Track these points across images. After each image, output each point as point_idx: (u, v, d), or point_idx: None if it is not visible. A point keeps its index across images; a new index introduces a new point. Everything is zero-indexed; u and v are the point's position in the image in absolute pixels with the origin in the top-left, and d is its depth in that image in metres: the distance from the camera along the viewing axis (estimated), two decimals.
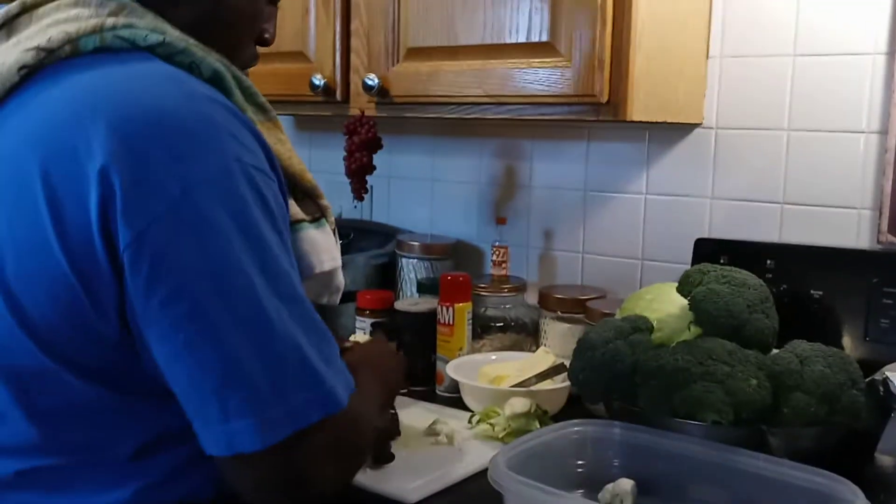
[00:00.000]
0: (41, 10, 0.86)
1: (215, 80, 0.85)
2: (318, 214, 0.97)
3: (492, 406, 1.33)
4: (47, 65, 0.82)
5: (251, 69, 1.03)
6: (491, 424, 1.30)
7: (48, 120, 0.79)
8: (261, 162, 0.81)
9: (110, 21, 0.83)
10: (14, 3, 0.88)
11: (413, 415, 1.36)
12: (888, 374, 1.07)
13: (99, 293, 0.76)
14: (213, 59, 0.86)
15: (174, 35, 0.85)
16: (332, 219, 1.00)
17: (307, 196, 0.96)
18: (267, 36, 1.01)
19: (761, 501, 1.01)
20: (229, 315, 0.75)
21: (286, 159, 0.92)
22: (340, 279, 1.01)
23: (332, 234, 0.98)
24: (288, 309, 0.78)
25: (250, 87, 0.92)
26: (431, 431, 1.29)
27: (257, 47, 1.01)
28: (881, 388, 1.08)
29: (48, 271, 0.76)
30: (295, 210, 0.93)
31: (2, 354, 0.81)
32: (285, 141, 0.94)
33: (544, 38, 1.31)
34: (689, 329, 1.20)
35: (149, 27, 0.84)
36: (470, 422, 1.34)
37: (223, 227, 0.75)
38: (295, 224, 0.92)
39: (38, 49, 0.81)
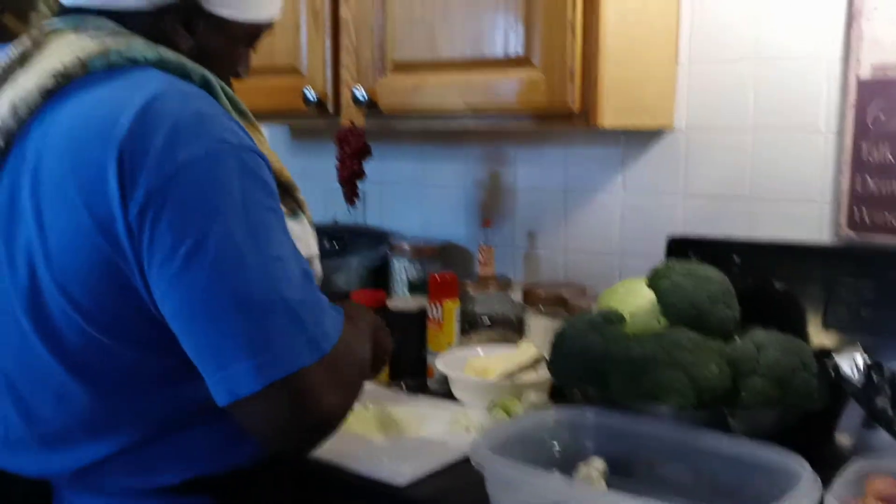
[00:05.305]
0: (46, 41, 1.01)
1: (205, 86, 1.00)
2: (295, 208, 1.09)
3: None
4: (63, 86, 0.96)
5: (248, 82, 1.17)
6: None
7: (74, 130, 0.93)
8: (250, 143, 0.94)
9: (112, 43, 0.97)
10: (25, 39, 1.02)
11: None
12: (837, 358, 1.15)
13: (129, 263, 0.89)
14: (202, 69, 1.01)
15: (167, 53, 1.00)
16: (309, 213, 1.12)
17: (285, 192, 1.07)
18: (242, 74, 1.15)
19: (722, 476, 1.10)
20: (219, 271, 0.86)
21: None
22: (318, 268, 1.11)
23: (308, 226, 1.10)
24: (276, 265, 0.89)
25: (233, 95, 1.06)
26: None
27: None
28: (832, 372, 1.16)
29: (90, 251, 0.90)
30: None
31: (54, 336, 0.93)
32: (264, 142, 1.07)
33: (520, 52, 1.40)
34: (659, 321, 1.29)
35: (144, 47, 0.98)
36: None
37: (212, 196, 0.88)
38: None
39: (56, 74, 0.96)
